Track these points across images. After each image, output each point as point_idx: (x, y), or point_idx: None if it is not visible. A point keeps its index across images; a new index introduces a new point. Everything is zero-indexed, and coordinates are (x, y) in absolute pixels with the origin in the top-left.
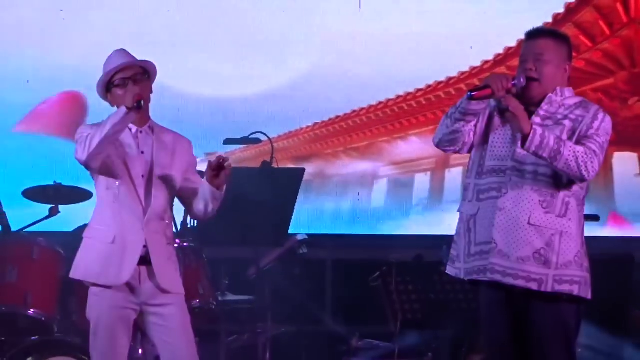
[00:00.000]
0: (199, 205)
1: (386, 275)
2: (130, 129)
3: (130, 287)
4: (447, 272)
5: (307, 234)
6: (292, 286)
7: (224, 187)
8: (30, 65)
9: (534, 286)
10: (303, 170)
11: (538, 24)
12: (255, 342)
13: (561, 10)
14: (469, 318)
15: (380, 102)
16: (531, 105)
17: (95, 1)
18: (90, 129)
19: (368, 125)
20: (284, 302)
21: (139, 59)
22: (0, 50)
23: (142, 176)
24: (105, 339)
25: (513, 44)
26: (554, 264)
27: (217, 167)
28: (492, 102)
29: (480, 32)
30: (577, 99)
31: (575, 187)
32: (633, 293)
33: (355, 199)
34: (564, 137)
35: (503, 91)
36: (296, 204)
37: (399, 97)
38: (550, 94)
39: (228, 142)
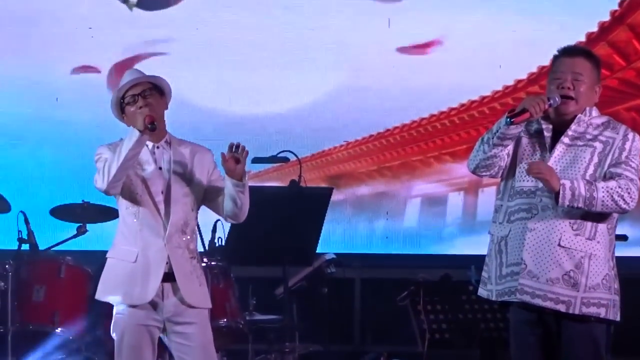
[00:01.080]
0: (228, 204)
1: (414, 294)
2: (147, 145)
3: (154, 304)
4: (479, 294)
5: (335, 254)
6: (320, 305)
7: (246, 177)
8: (60, 82)
9: (562, 308)
10: (331, 189)
11: (571, 42)
12: None
13: (595, 29)
14: (496, 338)
15: (414, 121)
16: (561, 125)
17: (125, 16)
18: (108, 150)
19: (401, 144)
20: (312, 321)
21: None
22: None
23: (162, 192)
24: (130, 356)
25: (546, 62)
26: (583, 286)
27: (232, 157)
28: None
29: (511, 51)
30: (603, 118)
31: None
32: None
33: (386, 219)
34: (595, 159)
35: (541, 112)
36: (329, 222)
37: (432, 116)
38: (579, 115)
39: (256, 161)
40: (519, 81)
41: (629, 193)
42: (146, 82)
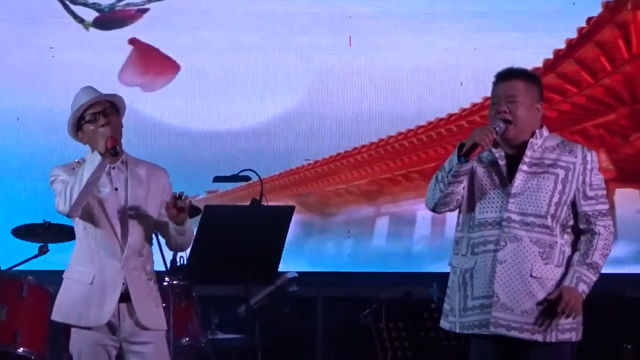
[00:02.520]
0: (169, 240)
1: (376, 312)
2: None
3: (111, 325)
4: (440, 325)
5: (297, 272)
6: (282, 324)
7: (186, 223)
8: (21, 104)
9: (539, 338)
10: (292, 207)
11: (538, 59)
12: None
13: (561, 46)
14: (458, 355)
15: (382, 140)
16: (513, 150)
17: (83, 39)
18: (64, 172)
19: (369, 162)
20: (275, 340)
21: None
22: None
23: (118, 213)
24: None
25: None
26: (558, 315)
27: (174, 206)
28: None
29: (475, 68)
30: (557, 139)
31: (567, 236)
32: (625, 330)
33: (352, 237)
34: (559, 186)
35: (491, 142)
36: (296, 240)
37: (400, 134)
38: (531, 139)
39: (217, 179)
40: (487, 98)
41: (609, 225)
42: (105, 101)
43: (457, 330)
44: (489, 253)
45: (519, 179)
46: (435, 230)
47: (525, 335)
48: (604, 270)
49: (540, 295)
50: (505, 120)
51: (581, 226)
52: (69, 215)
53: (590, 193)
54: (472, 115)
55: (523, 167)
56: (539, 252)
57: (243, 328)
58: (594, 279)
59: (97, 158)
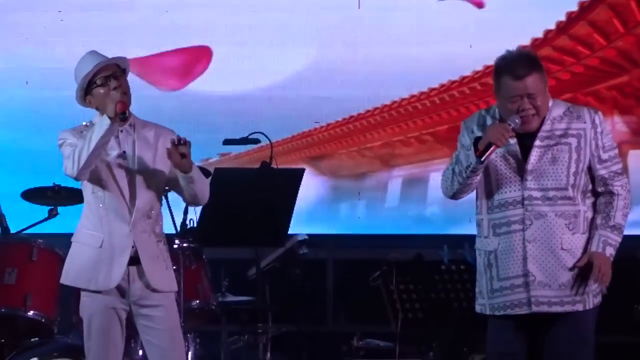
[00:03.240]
0: (183, 194)
1: (386, 274)
2: None
3: (120, 289)
4: (476, 310)
5: (307, 234)
6: (292, 286)
7: (191, 169)
8: (30, 65)
9: (580, 307)
10: (302, 170)
11: (551, 21)
12: (255, 342)
13: (574, 8)
14: (470, 317)
15: (394, 102)
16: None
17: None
18: (72, 136)
19: (382, 124)
20: (285, 302)
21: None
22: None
23: (126, 176)
24: (99, 338)
25: (526, 42)
26: (589, 281)
27: (176, 152)
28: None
29: (486, 29)
30: (562, 107)
31: (588, 200)
32: (637, 291)
33: (367, 199)
34: (574, 155)
35: (506, 141)
36: (307, 203)
37: (412, 96)
38: None
39: (227, 142)
40: None
41: (628, 190)
42: (114, 64)
43: (488, 312)
44: (516, 233)
45: (534, 154)
46: None
47: (567, 308)
48: None
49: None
50: (528, 115)
51: (599, 189)
52: (77, 179)
53: (604, 156)
54: (484, 77)
55: (536, 142)
56: (565, 224)
57: (253, 290)
58: (619, 240)
59: (106, 122)
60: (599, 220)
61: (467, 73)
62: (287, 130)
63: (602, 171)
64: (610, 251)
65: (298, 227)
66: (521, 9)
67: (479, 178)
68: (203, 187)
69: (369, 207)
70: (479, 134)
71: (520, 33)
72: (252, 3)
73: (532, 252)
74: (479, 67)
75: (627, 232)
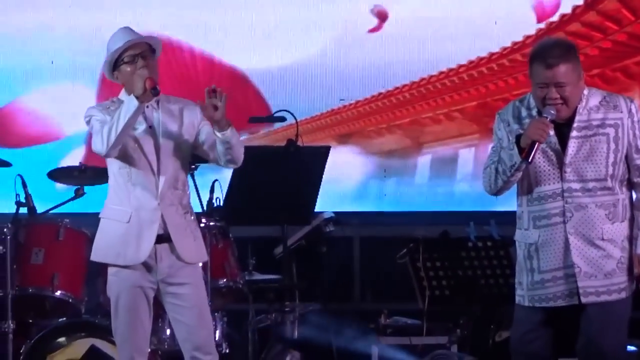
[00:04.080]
0: (220, 158)
1: (413, 252)
2: None
3: (148, 266)
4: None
5: (333, 212)
6: (319, 264)
7: (228, 126)
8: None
9: (624, 295)
10: (328, 148)
11: None
12: (283, 320)
13: None
14: (497, 294)
15: (423, 79)
16: (559, 119)
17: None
18: (99, 112)
19: (411, 102)
20: (312, 280)
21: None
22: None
23: (154, 150)
24: (126, 317)
25: (554, 18)
26: (630, 268)
27: (210, 104)
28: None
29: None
30: (598, 97)
31: (626, 189)
32: None
33: (395, 176)
34: (612, 145)
35: (547, 135)
36: (336, 180)
37: (441, 73)
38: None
39: (253, 120)
40: (528, 37)
41: None
42: (144, 43)
43: (526, 304)
44: (557, 225)
45: (572, 146)
46: (477, 170)
47: (614, 297)
48: None
49: (616, 254)
50: (556, 104)
51: (635, 179)
52: (106, 156)
53: (637, 139)
54: (512, 54)
55: (573, 133)
56: (606, 215)
57: (280, 269)
58: None
59: (133, 102)
60: (639, 219)
61: (495, 50)
62: (314, 108)
63: (638, 161)
64: None
65: (325, 204)
66: None
67: (520, 174)
68: (240, 147)
69: (398, 184)
70: (515, 126)
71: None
72: None
73: (575, 243)
74: (506, 44)
75: None
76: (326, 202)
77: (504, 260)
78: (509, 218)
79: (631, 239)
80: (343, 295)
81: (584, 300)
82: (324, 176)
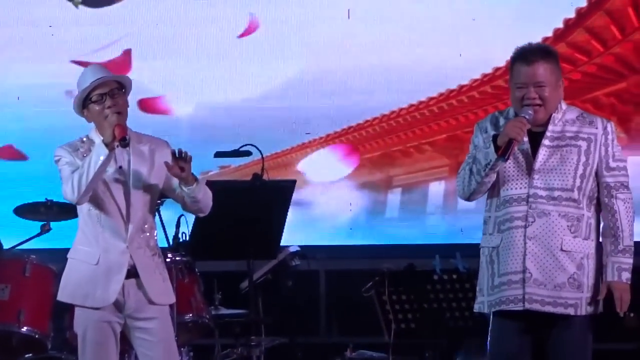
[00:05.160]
0: (185, 206)
1: (379, 285)
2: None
3: (117, 303)
4: (474, 310)
5: (299, 246)
6: (285, 298)
7: (196, 184)
8: (21, 82)
9: (571, 311)
10: (294, 182)
11: (548, 28)
12: (249, 354)
13: (572, 15)
14: (462, 327)
15: (393, 112)
16: (534, 126)
17: (81, 15)
18: (68, 154)
19: (381, 135)
20: (278, 314)
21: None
22: None
23: (122, 192)
24: (93, 352)
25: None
26: (586, 287)
27: (176, 165)
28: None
29: (487, 40)
30: (575, 112)
31: (594, 208)
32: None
33: (363, 209)
34: (582, 158)
35: (524, 133)
36: (304, 214)
37: (411, 106)
38: (553, 114)
39: (218, 155)
40: (497, 69)
41: (630, 206)
42: (113, 81)
43: (486, 310)
44: (518, 229)
45: (542, 153)
46: (447, 202)
47: (559, 310)
48: None
49: (571, 269)
50: (534, 104)
51: (604, 199)
52: (77, 204)
53: (612, 164)
54: (482, 86)
55: (545, 141)
56: (568, 226)
57: (246, 303)
58: (631, 261)
59: (103, 151)
60: (608, 247)
61: (465, 82)
62: (280, 141)
63: (608, 179)
64: (626, 276)
65: (291, 238)
66: (518, 17)
67: (495, 177)
68: (207, 199)
69: (367, 217)
70: (492, 132)
71: (516, 41)
72: (242, 15)
73: (532, 249)
74: (475, 76)
75: None
76: (293, 236)
77: (470, 292)
78: (474, 251)
79: (594, 261)
80: (309, 329)
81: (527, 306)
82: (289, 210)
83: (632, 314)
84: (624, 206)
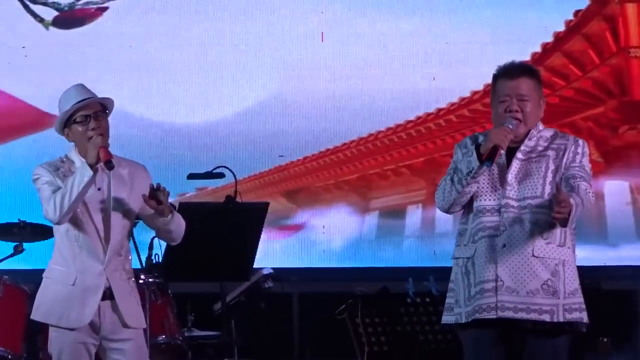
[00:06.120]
0: (159, 233)
1: (352, 308)
2: None
3: (92, 324)
4: (443, 322)
5: (272, 268)
6: (258, 320)
7: (171, 216)
8: None
9: (546, 318)
10: (267, 204)
11: (525, 53)
12: None
13: (549, 39)
14: (435, 350)
15: (371, 135)
16: (512, 143)
17: (58, 36)
18: (48, 173)
19: (358, 157)
20: (251, 336)
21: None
22: None
23: (101, 214)
24: None
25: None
26: (562, 293)
27: (153, 198)
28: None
29: (469, 63)
30: (551, 131)
31: None
32: (601, 322)
33: (337, 232)
34: (551, 166)
35: (508, 140)
36: (284, 236)
37: (388, 129)
38: (531, 130)
39: (191, 177)
40: (475, 92)
41: (590, 195)
42: (97, 103)
43: (463, 320)
44: (490, 238)
45: (514, 165)
46: (425, 225)
47: (533, 316)
48: (581, 263)
49: (544, 275)
50: (515, 118)
51: (571, 181)
52: (58, 224)
53: (576, 164)
54: (460, 110)
55: (519, 155)
56: (539, 232)
57: (219, 325)
58: (581, 205)
59: (88, 172)
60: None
61: (443, 105)
62: (253, 164)
63: (571, 171)
64: (575, 200)
65: (264, 260)
66: (492, 41)
67: (475, 187)
68: (180, 229)
69: (342, 240)
70: (472, 147)
71: (491, 64)
72: (217, 35)
73: (503, 257)
74: (451, 99)
75: (590, 263)
76: (265, 258)
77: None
78: (447, 274)
79: (572, 268)
80: (282, 351)
81: (500, 314)
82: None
83: (605, 339)
84: (584, 189)
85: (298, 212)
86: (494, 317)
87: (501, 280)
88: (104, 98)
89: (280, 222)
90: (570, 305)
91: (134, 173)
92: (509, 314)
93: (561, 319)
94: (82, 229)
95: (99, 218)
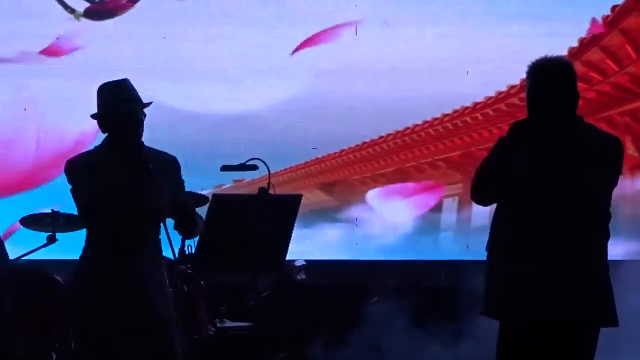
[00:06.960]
0: (178, 228)
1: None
2: None
3: (123, 314)
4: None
5: (305, 260)
6: (290, 312)
7: (186, 204)
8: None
9: (579, 318)
10: (300, 196)
11: (563, 48)
12: None
13: (586, 34)
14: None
15: (407, 128)
16: None
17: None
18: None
19: (395, 150)
20: (283, 327)
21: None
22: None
23: (132, 205)
24: None
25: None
26: (596, 295)
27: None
28: None
29: (505, 56)
30: None
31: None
32: None
33: (371, 224)
34: None
35: None
36: (319, 227)
37: (425, 122)
38: None
39: (225, 169)
40: (512, 87)
41: None
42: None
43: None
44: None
45: None
46: (461, 218)
47: (565, 317)
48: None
49: (577, 276)
50: None
51: None
52: None
53: None
54: (497, 104)
55: None
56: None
57: (251, 316)
58: None
59: None
60: None
61: (478, 99)
62: (287, 157)
63: None
64: None
65: (296, 252)
66: (533, 35)
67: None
68: (198, 227)
69: (381, 234)
70: None
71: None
72: (252, 28)
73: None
74: (487, 94)
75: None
76: (298, 251)
77: None
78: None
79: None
80: (314, 342)
81: (534, 313)
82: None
83: None
84: None
85: (334, 204)
86: (532, 316)
87: (536, 279)
88: (147, 103)
89: (315, 214)
90: (602, 307)
91: (165, 166)
92: (542, 314)
93: (593, 319)
94: (112, 220)
95: (133, 207)
